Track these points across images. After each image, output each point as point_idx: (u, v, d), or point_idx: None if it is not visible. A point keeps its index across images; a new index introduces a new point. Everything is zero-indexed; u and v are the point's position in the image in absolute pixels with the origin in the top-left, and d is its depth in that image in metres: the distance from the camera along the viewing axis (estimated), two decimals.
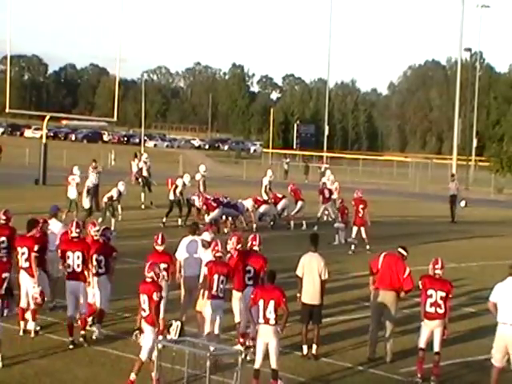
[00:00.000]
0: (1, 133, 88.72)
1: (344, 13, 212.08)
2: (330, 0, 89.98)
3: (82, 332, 11.78)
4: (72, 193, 24.77)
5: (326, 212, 26.13)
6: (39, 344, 11.69)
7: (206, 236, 12.67)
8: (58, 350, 11.48)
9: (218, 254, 11.41)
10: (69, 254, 11.82)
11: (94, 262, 12.05)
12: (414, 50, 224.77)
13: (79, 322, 11.93)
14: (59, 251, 12.07)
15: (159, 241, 12.04)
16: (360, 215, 21.94)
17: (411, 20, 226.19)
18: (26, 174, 38.69)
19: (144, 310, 9.96)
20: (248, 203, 24.94)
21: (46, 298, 12.15)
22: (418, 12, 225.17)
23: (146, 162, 33.52)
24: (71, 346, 11.57)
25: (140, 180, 33.10)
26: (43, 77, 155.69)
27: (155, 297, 9.87)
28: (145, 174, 32.54)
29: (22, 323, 12.11)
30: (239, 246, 11.93)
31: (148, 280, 10.07)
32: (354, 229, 21.95)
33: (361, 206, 22.01)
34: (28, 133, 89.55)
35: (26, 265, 12.06)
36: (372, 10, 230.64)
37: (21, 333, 12.05)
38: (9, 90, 36.77)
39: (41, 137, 41.03)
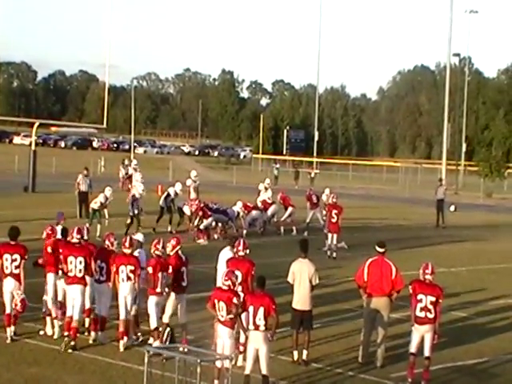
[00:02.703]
0: None
1: (333, 18, 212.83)
2: (320, 5, 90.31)
3: (73, 343, 11.77)
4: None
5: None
6: (28, 352, 11.64)
7: (139, 236, 12.76)
8: (48, 357, 11.43)
9: (157, 252, 11.77)
10: (71, 259, 11.95)
11: (97, 269, 12.16)
12: (403, 55, 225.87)
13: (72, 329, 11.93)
14: (61, 256, 12.14)
15: (126, 244, 12.11)
16: (333, 221, 21.66)
17: (400, 25, 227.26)
18: (15, 181, 38.56)
19: (222, 316, 10.06)
20: (237, 207, 24.91)
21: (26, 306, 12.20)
22: (406, 17, 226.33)
23: (135, 169, 33.40)
24: (64, 347, 11.61)
25: (130, 186, 32.97)
26: (32, 84, 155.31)
27: (235, 301, 10.06)
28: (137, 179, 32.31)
29: (8, 330, 12.10)
30: (178, 248, 11.97)
31: (224, 288, 10.20)
32: (329, 235, 21.73)
33: (334, 212, 21.70)
34: (17, 140, 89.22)
35: (17, 271, 12.11)
36: (361, 15, 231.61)
37: (8, 340, 12.04)
38: None
39: (30, 144, 40.88)
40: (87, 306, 12.45)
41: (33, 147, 37.76)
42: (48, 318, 12.48)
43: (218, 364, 9.90)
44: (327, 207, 22.58)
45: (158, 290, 11.62)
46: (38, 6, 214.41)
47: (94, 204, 23.76)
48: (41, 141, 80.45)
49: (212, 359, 9.70)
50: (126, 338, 11.90)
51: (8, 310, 12.16)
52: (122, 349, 11.81)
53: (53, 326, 12.44)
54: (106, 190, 23.92)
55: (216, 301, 10.15)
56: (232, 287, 10.24)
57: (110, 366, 11.13)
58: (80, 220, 24.40)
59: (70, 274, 11.95)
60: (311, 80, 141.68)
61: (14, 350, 11.66)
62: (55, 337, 12.27)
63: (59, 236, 12.92)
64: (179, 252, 12.00)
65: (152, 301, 11.70)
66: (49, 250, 12.46)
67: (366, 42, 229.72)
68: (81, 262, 11.91)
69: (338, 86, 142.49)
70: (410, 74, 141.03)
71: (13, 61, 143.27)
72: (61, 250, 12.26)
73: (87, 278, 12.28)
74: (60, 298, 12.42)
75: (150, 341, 11.77)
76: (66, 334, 11.81)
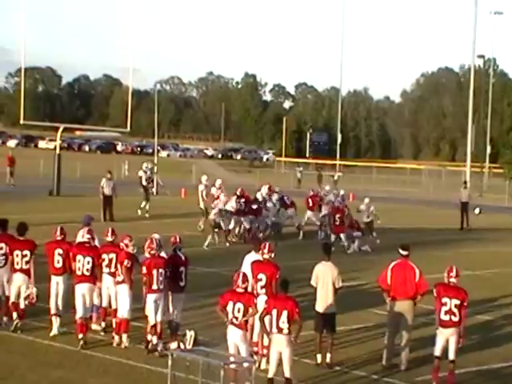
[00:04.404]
0: (15, 144, 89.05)
1: (356, 20, 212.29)
2: (342, 8, 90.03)
3: (81, 335, 12.03)
4: (202, 202, 25.71)
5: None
6: (53, 354, 11.74)
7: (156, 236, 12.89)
8: (72, 360, 11.52)
9: (153, 252, 11.98)
10: (79, 257, 12.21)
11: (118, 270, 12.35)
12: (427, 58, 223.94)
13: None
14: (70, 254, 12.41)
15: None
16: (337, 223, 23.19)
17: (424, 27, 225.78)
18: (40, 185, 38.81)
19: (236, 318, 10.14)
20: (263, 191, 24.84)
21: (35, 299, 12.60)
22: (430, 19, 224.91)
23: (145, 172, 32.82)
24: (82, 342, 11.88)
25: (153, 191, 32.92)
26: (57, 88, 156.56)
27: (253, 305, 10.25)
28: (144, 183, 31.86)
29: (9, 319, 12.67)
30: (176, 246, 12.12)
31: (240, 290, 10.27)
32: (333, 237, 23.01)
33: (337, 216, 23.20)
34: (42, 144, 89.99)
35: (27, 267, 12.56)
36: (384, 17, 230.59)
37: (11, 329, 12.52)
38: (23, 101, 36.98)
39: (54, 148, 41.17)
40: (104, 304, 12.71)
41: (57, 151, 38.01)
42: (54, 318, 12.63)
43: (233, 366, 9.88)
44: (331, 210, 23.64)
45: (155, 287, 11.77)
46: (61, 11, 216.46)
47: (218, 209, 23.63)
48: (65, 145, 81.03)
49: (236, 362, 9.71)
50: (155, 338, 11.92)
51: (12, 299, 12.63)
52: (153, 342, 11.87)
53: (51, 323, 12.64)
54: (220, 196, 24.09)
55: (232, 303, 10.17)
56: (248, 289, 10.35)
57: (133, 369, 11.18)
58: (104, 224, 24.53)
59: (77, 273, 12.23)
60: (334, 83, 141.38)
61: (39, 353, 11.76)
62: (51, 334, 12.48)
63: (81, 238, 13.09)
64: (177, 251, 12.12)
65: (150, 298, 11.84)
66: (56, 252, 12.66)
67: (389, 45, 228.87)
68: (88, 262, 12.18)
69: (361, 89, 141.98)
70: (433, 76, 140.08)
71: (38, 66, 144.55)
72: (60, 251, 12.46)
73: (109, 279, 12.43)
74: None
75: (149, 337, 11.87)
76: (80, 336, 12.00)
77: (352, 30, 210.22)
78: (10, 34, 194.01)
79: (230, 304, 10.20)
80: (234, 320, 10.15)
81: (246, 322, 10.25)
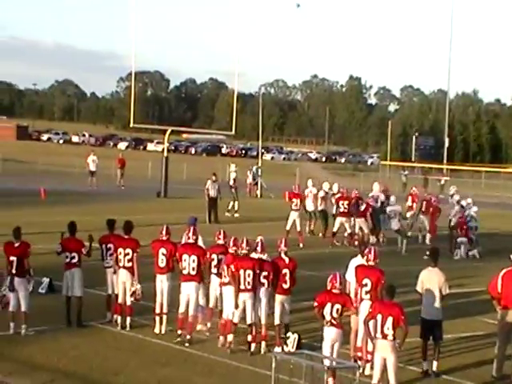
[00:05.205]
0: (125, 147, 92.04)
1: (465, 20, 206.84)
2: (451, 8, 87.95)
3: (188, 337, 12.22)
4: (309, 205, 25.72)
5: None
6: (161, 353, 12.00)
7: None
8: (178, 358, 11.73)
9: (244, 251, 12.06)
10: (185, 257, 12.45)
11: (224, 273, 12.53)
12: None
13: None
14: (176, 254, 12.67)
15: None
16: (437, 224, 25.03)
17: None
18: (149, 186, 39.86)
19: (334, 319, 10.32)
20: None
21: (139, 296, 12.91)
22: None
23: (236, 171, 32.75)
24: (187, 344, 12.14)
25: (257, 193, 33.18)
26: (165, 92, 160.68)
27: (351, 306, 10.63)
28: (231, 183, 31.83)
29: (118, 318, 12.98)
30: (281, 249, 12.16)
31: (336, 291, 10.47)
32: (428, 237, 24.63)
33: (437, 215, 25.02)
34: (150, 146, 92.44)
35: (129, 264, 12.86)
36: (494, 16, 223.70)
37: (118, 328, 12.86)
38: (133, 105, 38.08)
39: (162, 150, 42.20)
40: (211, 304, 12.90)
41: (165, 153, 38.93)
42: (157, 317, 12.90)
43: (327, 363, 9.81)
44: (431, 210, 25.07)
45: (242, 287, 11.88)
46: (169, 18, 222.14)
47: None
48: (172, 147, 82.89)
49: (340, 366, 9.64)
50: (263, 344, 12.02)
51: (120, 300, 12.95)
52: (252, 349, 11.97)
53: (161, 323, 12.89)
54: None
55: (330, 304, 10.25)
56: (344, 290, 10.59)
57: (238, 370, 11.27)
58: (209, 225, 24.89)
59: (183, 272, 12.43)
60: (441, 85, 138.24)
61: (147, 351, 12.05)
62: (162, 332, 12.76)
63: (186, 239, 13.34)
64: (282, 254, 12.20)
65: (239, 298, 11.96)
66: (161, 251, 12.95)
67: (500, 45, 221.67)
68: (194, 261, 12.35)
69: (470, 91, 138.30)
70: None
71: (147, 70, 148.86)
72: (164, 250, 12.70)
73: (217, 280, 12.61)
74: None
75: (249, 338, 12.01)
76: (179, 331, 12.33)
77: (461, 31, 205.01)
78: (121, 40, 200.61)
79: (328, 305, 10.32)
80: (333, 321, 10.27)
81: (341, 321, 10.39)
